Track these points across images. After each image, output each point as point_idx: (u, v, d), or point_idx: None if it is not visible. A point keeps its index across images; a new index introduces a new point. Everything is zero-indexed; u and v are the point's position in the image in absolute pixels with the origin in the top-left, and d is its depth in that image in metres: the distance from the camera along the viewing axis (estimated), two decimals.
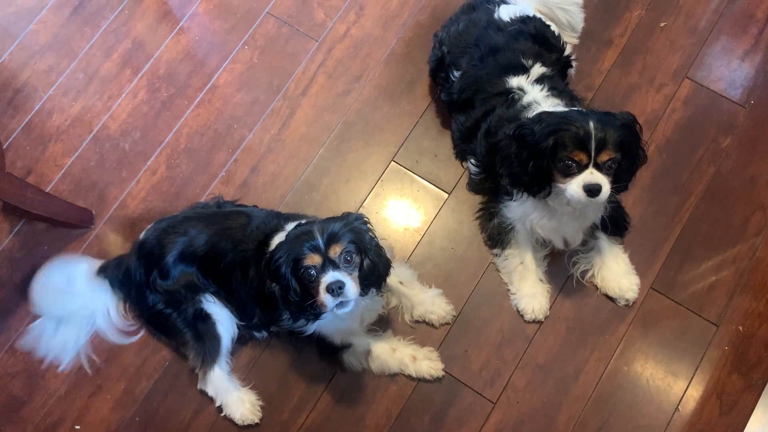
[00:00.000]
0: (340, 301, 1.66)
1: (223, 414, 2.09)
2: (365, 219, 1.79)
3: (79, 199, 2.37)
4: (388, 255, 2.13)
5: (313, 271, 1.66)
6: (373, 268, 1.77)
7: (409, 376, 2.12)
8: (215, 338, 2.01)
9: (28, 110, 2.49)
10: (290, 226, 1.82)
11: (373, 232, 1.80)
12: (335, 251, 1.67)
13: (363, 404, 2.13)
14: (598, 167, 1.80)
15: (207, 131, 2.45)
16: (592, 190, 1.79)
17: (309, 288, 1.69)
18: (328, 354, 2.09)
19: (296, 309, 1.76)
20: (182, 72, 2.53)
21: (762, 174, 2.35)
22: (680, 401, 2.12)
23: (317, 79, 2.51)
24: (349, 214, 1.78)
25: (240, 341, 2.15)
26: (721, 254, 2.26)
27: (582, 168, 1.80)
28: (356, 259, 1.71)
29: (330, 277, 1.65)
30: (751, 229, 2.28)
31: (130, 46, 2.57)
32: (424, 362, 2.10)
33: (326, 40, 2.56)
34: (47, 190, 2.36)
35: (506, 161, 1.94)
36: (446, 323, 2.19)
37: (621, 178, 1.84)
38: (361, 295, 1.72)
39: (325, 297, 1.65)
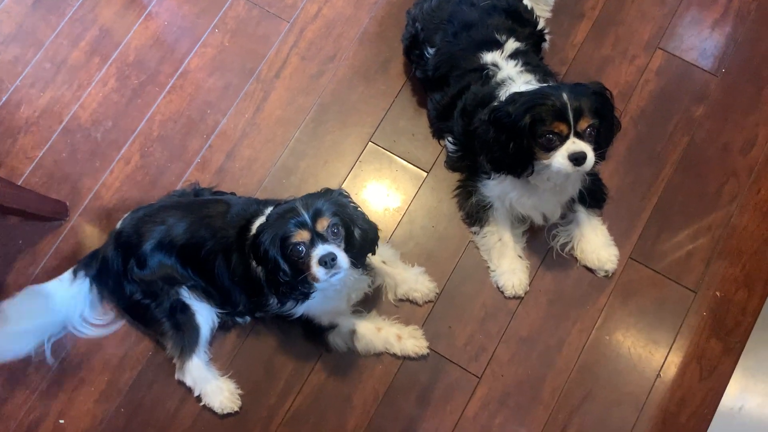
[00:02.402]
0: (334, 273, 1.67)
1: (202, 403, 2.09)
2: (345, 193, 1.80)
3: (53, 192, 2.32)
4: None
5: (302, 248, 1.67)
6: (365, 235, 1.79)
7: (395, 355, 2.13)
8: (194, 329, 2.00)
9: None
10: (270, 209, 1.81)
11: (354, 203, 1.81)
12: (322, 225, 1.67)
13: (350, 385, 2.13)
14: (579, 135, 1.80)
15: (180, 118, 2.41)
16: (577, 159, 1.79)
17: (299, 264, 1.69)
18: (314, 336, 2.09)
19: (285, 289, 1.76)
20: (152, 58, 2.49)
21: (735, 141, 2.38)
22: (661, 368, 2.16)
23: (290, 60, 2.48)
24: (329, 189, 1.78)
25: (223, 328, 2.14)
26: (697, 222, 2.29)
27: (564, 139, 1.81)
28: (342, 231, 1.72)
29: (321, 250, 1.65)
30: (725, 197, 2.32)
31: (98, 34, 2.52)
32: (408, 341, 2.11)
33: (298, 21, 2.53)
34: (19, 183, 2.31)
35: (486, 147, 1.95)
36: (429, 301, 2.20)
37: (600, 145, 1.85)
38: (354, 266, 1.74)
39: (317, 270, 1.66)
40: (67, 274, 2.05)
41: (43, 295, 2.00)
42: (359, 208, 1.82)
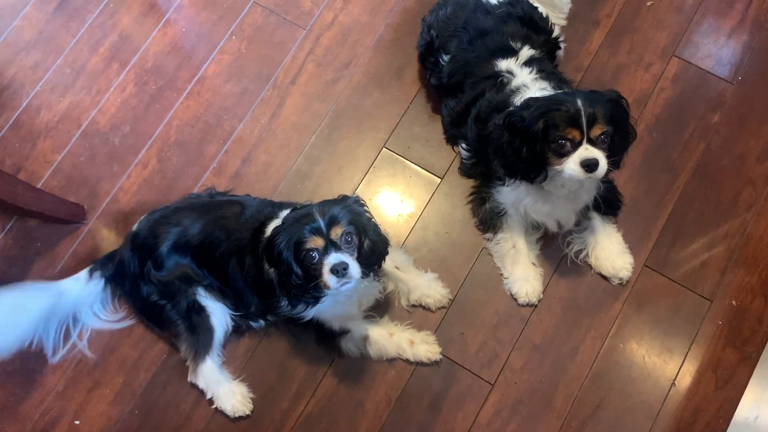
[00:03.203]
0: (344, 282, 1.68)
1: (214, 406, 2.10)
2: (361, 201, 1.80)
3: (71, 195, 2.35)
4: None
5: (315, 254, 1.67)
6: (374, 247, 1.80)
7: (407, 361, 2.13)
8: (208, 331, 2.02)
9: (15, 107, 2.47)
10: (284, 212, 1.83)
11: (369, 213, 1.82)
12: (336, 233, 1.68)
13: (362, 390, 2.13)
14: (592, 142, 1.80)
15: (197, 123, 2.44)
16: (589, 165, 1.79)
17: (311, 270, 1.70)
18: (327, 341, 2.09)
19: (297, 292, 1.77)
20: (170, 64, 2.52)
21: (751, 150, 2.36)
22: (676, 377, 2.14)
23: (306, 67, 2.50)
24: (345, 196, 1.79)
25: (237, 332, 2.15)
26: (713, 230, 2.28)
27: (576, 145, 1.81)
28: (355, 239, 1.72)
29: (333, 258, 1.66)
30: (741, 205, 2.30)
31: (117, 40, 2.56)
32: (421, 346, 2.11)
33: (314, 28, 2.55)
34: (38, 187, 2.35)
35: (500, 151, 1.95)
36: (442, 307, 2.20)
37: (614, 153, 1.85)
38: (363, 275, 1.74)
39: (328, 278, 1.66)
40: (83, 273, 2.08)
41: (55, 292, 2.03)
42: (373, 219, 1.83)
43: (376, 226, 1.83)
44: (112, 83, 2.50)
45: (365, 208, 1.81)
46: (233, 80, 2.49)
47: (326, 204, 1.73)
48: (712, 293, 2.21)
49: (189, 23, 2.58)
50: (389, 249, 2.00)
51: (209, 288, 2.01)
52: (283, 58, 2.51)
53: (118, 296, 2.15)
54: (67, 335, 2.13)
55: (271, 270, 1.74)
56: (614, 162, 1.86)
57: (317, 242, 1.67)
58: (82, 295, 2.07)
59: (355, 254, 1.72)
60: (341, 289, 1.72)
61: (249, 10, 2.58)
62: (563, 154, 1.83)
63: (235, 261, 1.92)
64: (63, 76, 2.51)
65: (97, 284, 2.07)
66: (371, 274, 1.88)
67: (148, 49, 2.54)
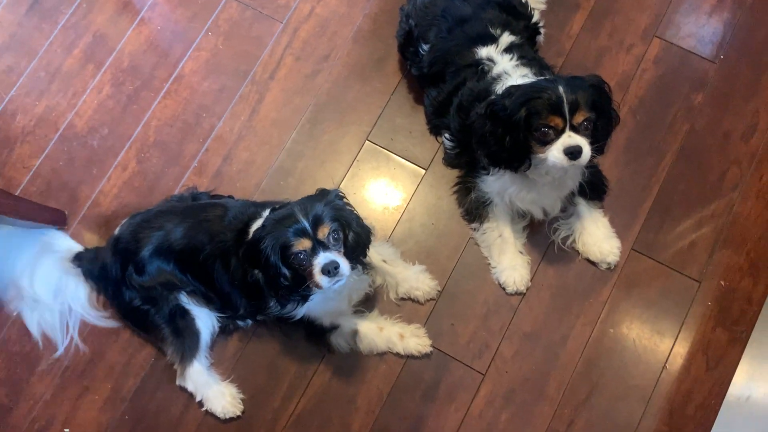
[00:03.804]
0: (336, 281, 1.66)
1: (204, 408, 2.08)
2: (341, 194, 1.78)
3: (51, 200, 2.32)
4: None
5: (303, 256, 1.65)
6: (358, 239, 1.78)
7: (398, 354, 2.12)
8: (194, 334, 2.00)
9: None
10: (267, 213, 1.80)
11: (350, 205, 1.80)
12: (323, 232, 1.66)
13: (353, 385, 2.12)
14: (575, 129, 1.79)
15: (176, 122, 2.41)
16: (573, 153, 1.78)
17: (300, 271, 1.68)
18: (316, 337, 2.08)
19: (287, 293, 1.75)
20: (146, 64, 2.48)
21: (735, 129, 2.35)
22: (667, 359, 2.14)
23: (285, 61, 2.47)
24: (324, 191, 1.77)
25: (225, 332, 2.14)
26: (700, 211, 2.27)
27: (559, 133, 1.79)
28: (341, 235, 1.71)
29: (324, 258, 1.64)
30: (727, 185, 2.30)
31: (91, 41, 2.51)
32: (411, 339, 2.10)
33: (291, 21, 2.51)
34: (17, 193, 2.31)
35: (482, 141, 1.93)
36: (431, 299, 2.18)
37: (597, 139, 1.84)
38: (352, 268, 1.73)
39: (320, 279, 1.65)
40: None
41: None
42: (355, 211, 1.81)
43: (358, 218, 1.81)
44: (88, 85, 2.46)
45: (345, 200, 1.79)
46: (211, 77, 2.45)
47: (307, 201, 1.70)
48: (701, 274, 2.20)
49: (164, 21, 2.53)
50: (376, 242, 2.02)
51: (192, 294, 1.99)
52: (260, 53, 2.48)
53: (100, 294, 2.14)
54: (66, 329, 2.14)
55: (257, 272, 1.71)
56: (598, 148, 1.84)
57: (305, 244, 1.65)
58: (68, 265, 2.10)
59: (342, 249, 1.71)
60: (332, 288, 1.70)
61: (224, 5, 2.54)
62: (546, 142, 1.81)
63: (220, 264, 1.89)
64: (38, 79, 2.47)
65: (77, 271, 2.09)
66: (359, 267, 1.87)
67: (124, 48, 2.50)
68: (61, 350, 2.14)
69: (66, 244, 2.19)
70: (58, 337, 2.12)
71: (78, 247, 2.18)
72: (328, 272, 1.63)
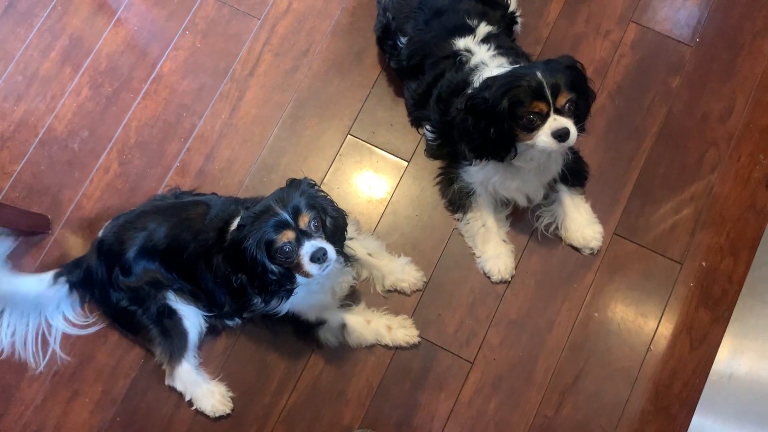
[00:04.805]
0: (326, 266, 1.68)
1: (194, 408, 2.09)
2: (311, 181, 1.79)
3: (33, 205, 2.31)
4: (354, 228, 2.14)
5: (288, 248, 1.66)
6: (336, 223, 1.81)
7: (386, 346, 2.14)
8: (182, 334, 2.00)
9: None
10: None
11: (322, 191, 1.81)
12: (304, 221, 1.67)
13: (343, 379, 2.14)
14: (559, 112, 1.80)
15: (156, 123, 2.40)
16: (561, 135, 1.79)
17: (286, 264, 1.69)
18: (304, 333, 2.09)
19: (276, 288, 1.76)
20: (124, 64, 2.46)
21: (713, 111, 2.38)
22: (652, 341, 2.17)
23: (263, 57, 2.46)
24: (295, 180, 1.77)
25: (213, 331, 2.14)
26: (680, 194, 2.30)
27: (545, 117, 1.81)
28: (320, 222, 1.72)
29: (311, 247, 1.66)
30: (706, 167, 2.32)
31: (68, 43, 2.49)
32: (399, 330, 2.12)
33: (268, 17, 2.51)
34: None
35: (465, 135, 1.94)
36: (417, 290, 2.20)
37: (579, 119, 1.86)
38: (339, 254, 1.75)
39: (310, 267, 1.67)
40: (48, 276, 2.06)
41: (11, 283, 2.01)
42: (328, 196, 1.83)
43: (332, 202, 1.83)
44: (66, 88, 2.44)
45: (317, 187, 1.80)
46: (190, 76, 2.45)
47: (281, 194, 1.71)
48: (682, 256, 2.23)
49: (140, 21, 2.52)
50: (361, 235, 2.07)
51: (179, 292, 2.00)
52: (239, 51, 2.47)
53: (87, 301, 2.14)
54: (45, 344, 2.12)
55: (240, 275, 1.72)
56: (580, 127, 1.86)
57: (288, 235, 1.66)
58: (45, 296, 2.04)
59: (323, 236, 1.72)
60: (322, 274, 1.72)
61: (201, 3, 2.52)
62: (533, 129, 1.83)
63: (203, 262, 1.90)
64: (15, 83, 2.45)
65: (61, 289, 2.05)
66: (341, 258, 1.89)
67: (101, 50, 2.48)
68: (41, 368, 2.13)
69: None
70: (31, 359, 2.11)
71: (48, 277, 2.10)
72: (318, 259, 1.65)
